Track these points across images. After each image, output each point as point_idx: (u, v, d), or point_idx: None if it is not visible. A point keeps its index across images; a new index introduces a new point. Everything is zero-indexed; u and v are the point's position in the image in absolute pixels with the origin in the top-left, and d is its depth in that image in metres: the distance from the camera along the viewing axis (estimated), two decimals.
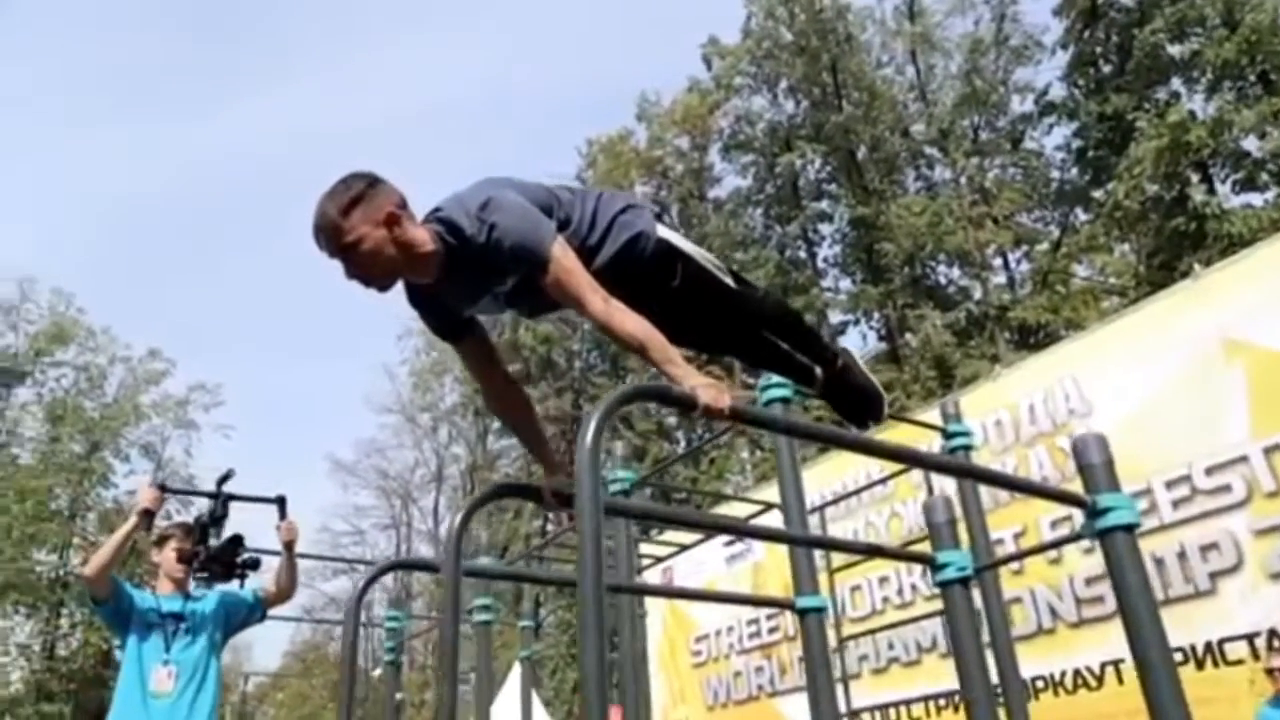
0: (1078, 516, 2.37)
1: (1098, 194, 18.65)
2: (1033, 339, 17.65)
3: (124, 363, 25.39)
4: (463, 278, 1.98)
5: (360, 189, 1.89)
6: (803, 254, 23.57)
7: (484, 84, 51.72)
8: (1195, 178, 16.17)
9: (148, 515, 3.41)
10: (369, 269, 1.91)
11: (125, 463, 24.68)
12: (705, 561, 9.20)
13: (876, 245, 20.89)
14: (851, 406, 2.49)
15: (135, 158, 45.74)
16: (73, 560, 23.07)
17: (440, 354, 30.72)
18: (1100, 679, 6.00)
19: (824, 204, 23.39)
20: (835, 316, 22.11)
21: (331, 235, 1.88)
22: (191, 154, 48.68)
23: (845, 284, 22.93)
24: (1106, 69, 19.13)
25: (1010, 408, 7.25)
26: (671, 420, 24.64)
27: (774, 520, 3.96)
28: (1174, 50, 17.08)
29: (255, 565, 3.56)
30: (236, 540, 3.51)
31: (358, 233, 1.87)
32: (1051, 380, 7.02)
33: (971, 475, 2.54)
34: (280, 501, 3.68)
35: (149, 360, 25.46)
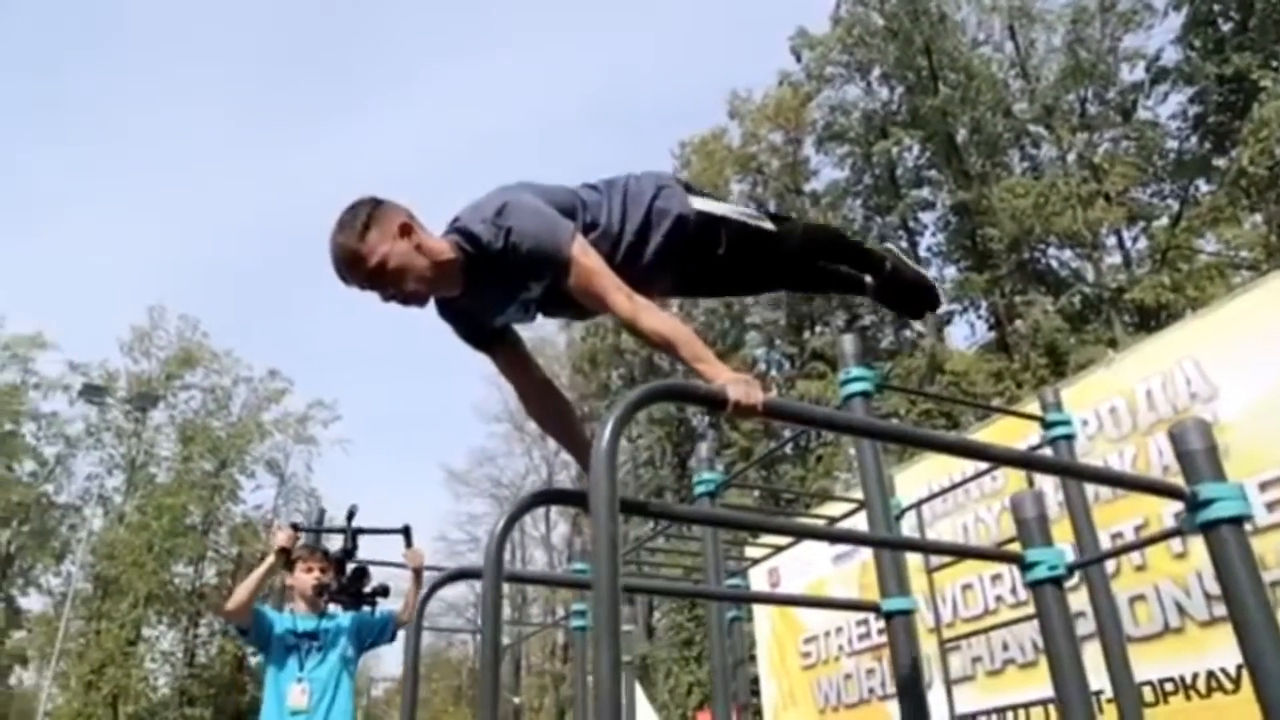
0: None
1: (1220, 162, 17.52)
2: (1154, 321, 16.66)
3: (246, 383, 26.78)
4: (486, 286, 1.94)
5: (368, 211, 1.88)
6: (904, 244, 22.94)
7: (574, 92, 52.33)
8: None
9: (284, 554, 3.62)
10: (402, 284, 1.88)
11: (251, 479, 26.01)
12: (812, 562, 9.00)
13: (980, 231, 20.16)
14: (907, 303, 2.53)
15: (253, 180, 48.12)
16: (207, 572, 24.35)
17: (544, 361, 31.10)
18: (1236, 682, 5.56)
19: (924, 191, 22.76)
20: (940, 307, 21.41)
21: (355, 263, 1.86)
22: (307, 175, 50.86)
23: (950, 272, 22.25)
24: (1226, 27, 17.95)
25: (1126, 394, 6.82)
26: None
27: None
28: None
29: (385, 592, 3.81)
30: (362, 572, 3.77)
31: (380, 252, 1.85)
32: (1170, 363, 6.57)
33: (1048, 469, 2.33)
34: (406, 531, 3.90)
35: (269, 380, 26.75)
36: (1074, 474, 2.99)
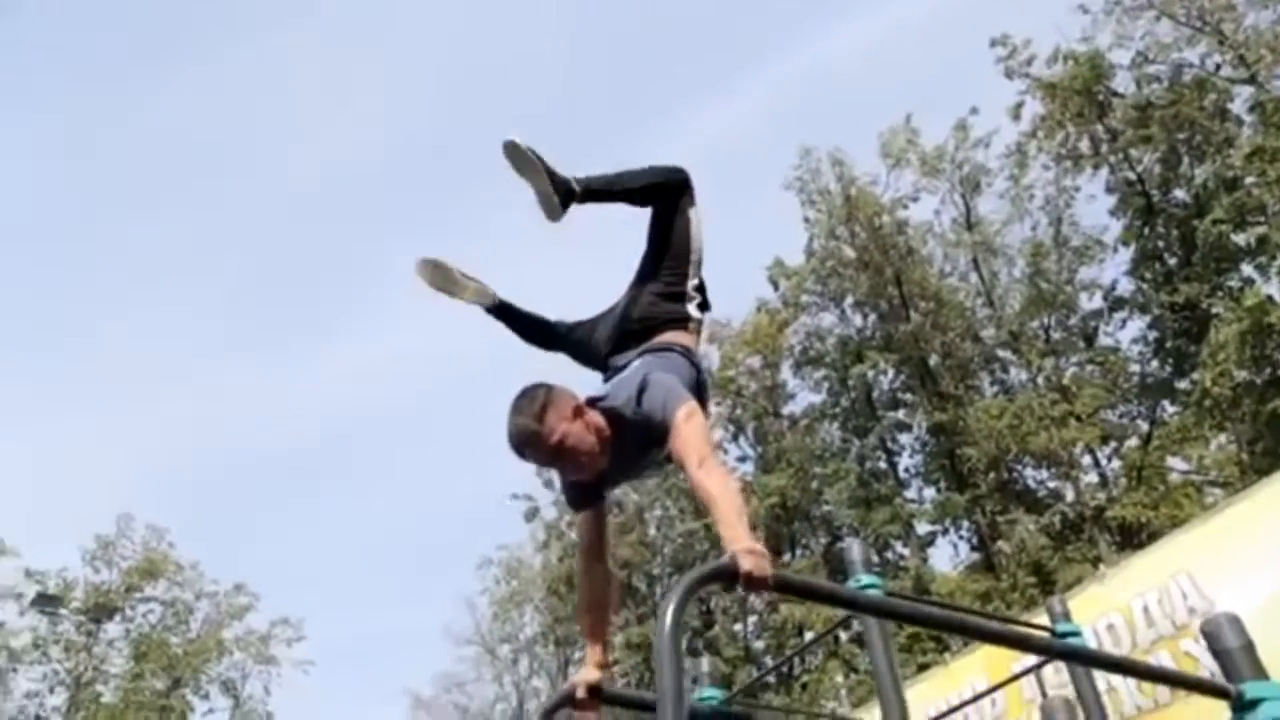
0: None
1: (1183, 384, 18.14)
2: (1136, 539, 16.64)
3: (210, 597, 25.66)
4: (628, 452, 2.17)
5: (544, 396, 2.09)
6: (883, 465, 23.03)
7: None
8: None
9: None
10: (579, 458, 2.10)
11: (204, 700, 24.41)
12: None
13: (958, 451, 20.39)
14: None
15: (237, 399, 48.28)
16: None
17: (520, 582, 30.30)
18: None
19: (900, 413, 23.10)
20: (922, 527, 21.28)
21: (537, 442, 2.07)
22: (295, 396, 51.14)
23: (929, 493, 22.25)
24: (1172, 261, 19.14)
25: (1123, 610, 6.73)
26: (759, 644, 23.44)
27: None
28: (1239, 238, 17.05)
29: None
30: None
31: (559, 432, 2.06)
32: (1165, 578, 6.54)
33: (1097, 663, 2.24)
34: None
35: (234, 595, 25.69)
36: (1125, 670, 2.89)
